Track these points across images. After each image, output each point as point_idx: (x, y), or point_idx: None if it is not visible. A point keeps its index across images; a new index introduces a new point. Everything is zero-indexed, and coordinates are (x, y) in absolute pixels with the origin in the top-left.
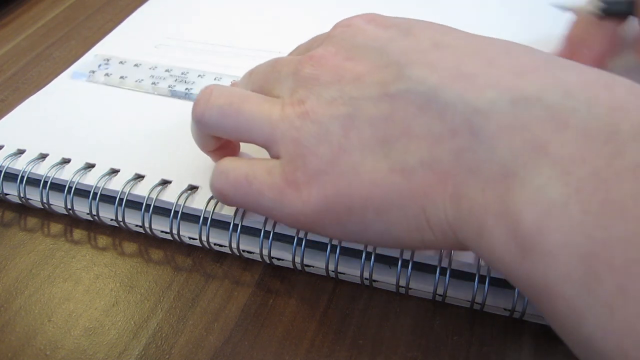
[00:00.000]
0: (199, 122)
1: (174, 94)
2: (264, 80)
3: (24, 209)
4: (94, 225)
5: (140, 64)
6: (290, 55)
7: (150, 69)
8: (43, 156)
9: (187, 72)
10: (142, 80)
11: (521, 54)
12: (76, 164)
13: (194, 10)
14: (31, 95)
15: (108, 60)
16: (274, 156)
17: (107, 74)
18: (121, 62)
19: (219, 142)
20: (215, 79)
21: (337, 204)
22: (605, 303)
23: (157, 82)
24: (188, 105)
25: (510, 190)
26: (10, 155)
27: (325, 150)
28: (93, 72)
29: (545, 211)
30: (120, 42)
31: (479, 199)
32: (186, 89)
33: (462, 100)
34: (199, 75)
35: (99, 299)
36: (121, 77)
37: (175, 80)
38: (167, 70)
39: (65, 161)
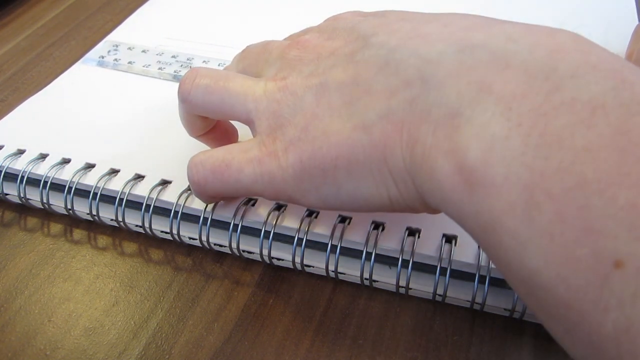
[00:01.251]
0: (185, 100)
1: (179, 79)
2: (255, 60)
3: (24, 209)
4: (94, 225)
5: (147, 50)
6: (283, 40)
7: (157, 54)
8: (43, 156)
9: (193, 58)
10: (149, 65)
11: (476, 18)
12: (76, 164)
13: (193, 11)
14: (31, 95)
15: (117, 46)
16: (255, 134)
17: (116, 59)
18: (129, 48)
19: (207, 125)
20: (219, 65)
21: (312, 167)
22: (546, 232)
23: (164, 68)
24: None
25: (457, 129)
26: (10, 155)
27: (300, 119)
28: (103, 57)
29: (488, 145)
30: (121, 42)
31: (430, 141)
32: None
33: (415, 54)
34: (204, 61)
35: (99, 299)
36: (129, 63)
37: (181, 65)
38: (173, 57)
39: (65, 161)
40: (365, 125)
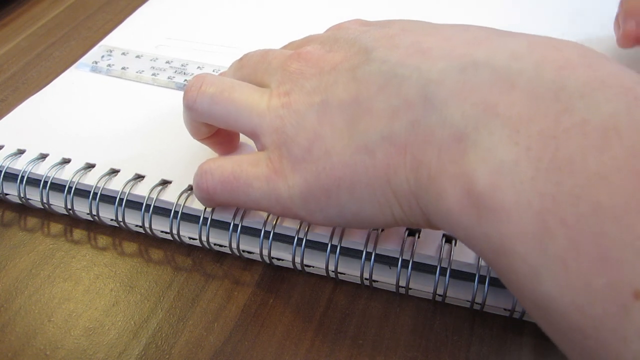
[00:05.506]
0: (190, 108)
1: (173, 86)
2: (254, 69)
3: (24, 209)
4: (94, 225)
5: (141, 55)
6: (283, 49)
7: (151, 60)
8: (43, 156)
9: (187, 64)
10: (142, 71)
11: (478, 30)
12: (76, 164)
13: (194, 11)
14: (31, 95)
15: (111, 51)
16: (260, 147)
17: (109, 65)
18: (123, 54)
19: (211, 130)
20: (213, 71)
21: (316, 188)
22: (559, 259)
23: (158, 74)
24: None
25: (464, 152)
26: (10, 155)
27: (303, 137)
28: (96, 62)
29: (497, 170)
30: (121, 42)
31: (435, 164)
32: (185, 80)
33: (416, 73)
34: (198, 67)
35: (99, 299)
36: (123, 68)
37: (175, 71)
38: (167, 62)
39: (65, 161)
40: (368, 147)
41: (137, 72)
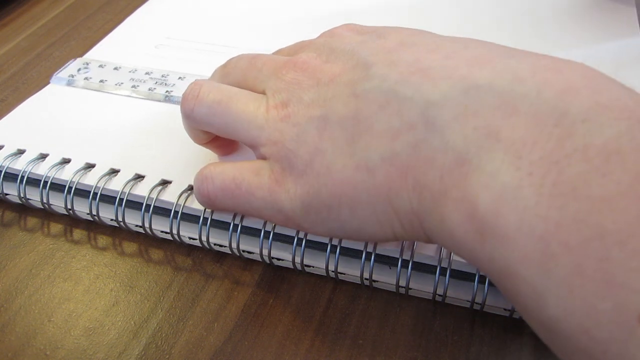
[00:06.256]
0: (188, 117)
1: (153, 97)
2: (242, 76)
3: (24, 209)
4: (94, 225)
5: (119, 67)
6: (272, 55)
7: (130, 72)
8: (43, 156)
9: (168, 75)
10: (121, 83)
11: (479, 47)
12: (76, 164)
13: (194, 10)
14: (31, 95)
15: (87, 64)
16: (260, 157)
17: (86, 78)
18: (101, 66)
19: (211, 136)
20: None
21: (317, 203)
22: (564, 283)
23: (137, 85)
24: (169, 107)
25: (466, 177)
26: (10, 155)
27: (304, 151)
28: (73, 76)
29: (499, 195)
30: (121, 42)
31: (438, 187)
32: (166, 91)
33: (417, 94)
34: (179, 78)
35: (99, 299)
36: (101, 81)
37: (156, 82)
38: (147, 73)
39: (65, 161)
40: (368, 166)
41: (115, 84)
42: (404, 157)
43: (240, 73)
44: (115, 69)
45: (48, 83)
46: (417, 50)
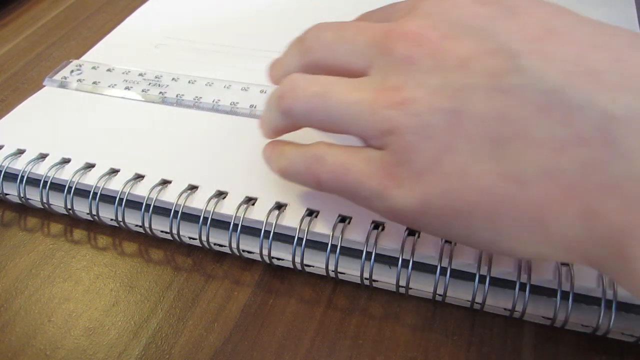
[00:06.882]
0: (287, 115)
1: (148, 99)
2: (330, 52)
3: (24, 209)
4: (94, 225)
5: (113, 69)
6: (362, 22)
7: (123, 73)
8: (43, 156)
9: (161, 76)
10: (115, 85)
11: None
12: (76, 164)
13: (194, 10)
14: (31, 95)
15: (80, 66)
16: (368, 145)
17: (79, 80)
18: (94, 68)
19: (290, 129)
20: (189, 82)
21: (442, 206)
22: None
23: (131, 87)
24: (169, 108)
25: None
26: (10, 155)
27: (429, 147)
28: (65, 78)
29: None
30: (121, 42)
31: (621, 220)
32: (160, 92)
33: (592, 104)
34: (172, 79)
35: (99, 299)
36: (94, 83)
37: (149, 84)
38: (140, 75)
39: (65, 161)
40: (520, 178)
41: (109, 85)
42: (571, 176)
43: (326, 48)
44: (109, 70)
45: (42, 86)
46: (575, 43)
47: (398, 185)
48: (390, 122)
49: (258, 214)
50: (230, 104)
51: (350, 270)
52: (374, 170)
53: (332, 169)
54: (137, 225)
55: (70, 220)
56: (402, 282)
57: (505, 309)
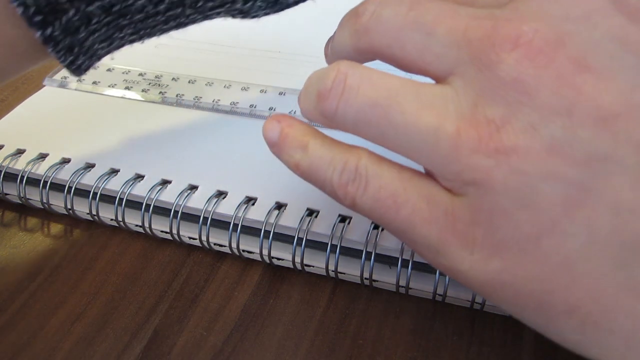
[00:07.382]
0: (330, 119)
1: (148, 98)
2: (395, 39)
3: (24, 209)
4: (93, 225)
5: (113, 69)
6: (447, 3)
7: (123, 73)
8: (43, 156)
9: (161, 76)
10: (115, 84)
11: None
12: (76, 164)
13: None
14: (31, 95)
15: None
16: (440, 184)
17: (79, 80)
18: (94, 67)
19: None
20: (189, 82)
21: (526, 293)
22: None
23: (131, 87)
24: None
25: None
26: (10, 155)
27: (526, 219)
28: (65, 78)
29: None
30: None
31: None
32: (160, 92)
33: None
34: (172, 79)
35: (99, 299)
36: (94, 83)
37: (149, 84)
38: (140, 74)
39: (65, 161)
40: None
41: (109, 85)
42: None
43: (390, 35)
44: (109, 70)
45: (42, 86)
46: None
47: (466, 247)
48: (479, 173)
49: (258, 213)
50: (230, 104)
51: (350, 270)
52: (437, 218)
53: (377, 197)
54: (137, 225)
55: (70, 220)
56: (402, 282)
57: None
